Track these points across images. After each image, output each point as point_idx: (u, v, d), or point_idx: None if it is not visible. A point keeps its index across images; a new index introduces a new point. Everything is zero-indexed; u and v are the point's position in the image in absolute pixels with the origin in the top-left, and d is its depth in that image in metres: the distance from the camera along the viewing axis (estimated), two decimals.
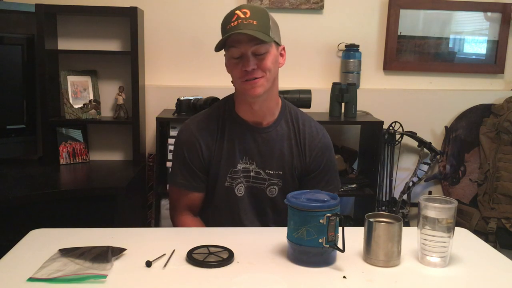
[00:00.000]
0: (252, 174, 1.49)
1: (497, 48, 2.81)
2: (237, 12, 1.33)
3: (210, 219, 1.56)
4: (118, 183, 2.20)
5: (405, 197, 2.66)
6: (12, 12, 2.36)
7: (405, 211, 2.61)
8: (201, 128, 1.49)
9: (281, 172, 1.49)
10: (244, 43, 1.32)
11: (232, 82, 1.51)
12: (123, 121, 2.52)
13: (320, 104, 2.57)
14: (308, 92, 2.34)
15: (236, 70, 1.37)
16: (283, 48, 1.45)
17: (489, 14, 2.79)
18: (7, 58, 2.38)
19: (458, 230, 1.24)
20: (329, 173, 1.54)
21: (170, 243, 1.24)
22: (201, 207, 1.56)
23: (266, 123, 1.49)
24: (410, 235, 1.19)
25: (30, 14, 2.33)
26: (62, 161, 2.49)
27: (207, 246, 1.20)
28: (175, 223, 1.56)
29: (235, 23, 1.31)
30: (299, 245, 1.13)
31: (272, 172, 1.49)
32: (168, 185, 1.60)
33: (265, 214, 1.54)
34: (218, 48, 1.37)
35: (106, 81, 2.61)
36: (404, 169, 2.77)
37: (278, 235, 1.26)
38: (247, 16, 1.32)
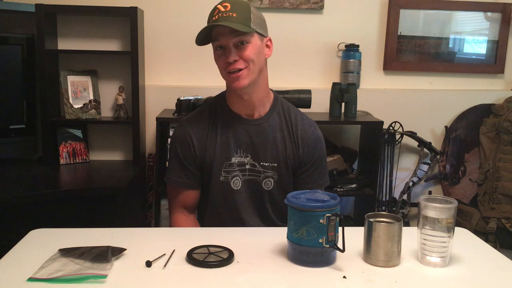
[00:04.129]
0: (247, 167, 1.50)
1: (497, 48, 2.81)
2: (218, 6, 1.37)
3: (207, 215, 1.56)
4: (118, 183, 2.20)
5: (405, 197, 2.66)
6: (12, 12, 2.36)
7: (405, 211, 2.61)
8: (193, 123, 1.52)
9: (275, 165, 1.50)
10: (225, 35, 1.36)
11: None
12: (123, 121, 2.52)
13: (320, 104, 2.57)
14: (308, 92, 2.33)
15: (220, 61, 1.41)
16: (269, 40, 1.46)
17: (489, 14, 2.79)
18: (7, 58, 2.38)
19: (458, 230, 1.24)
20: (320, 166, 1.56)
21: (170, 243, 1.24)
22: (197, 204, 1.56)
23: (258, 115, 1.51)
24: (410, 235, 1.20)
25: (30, 14, 2.33)
26: (62, 161, 2.49)
27: (207, 246, 1.20)
28: (169, 222, 1.56)
29: (216, 17, 1.36)
30: (299, 245, 1.13)
31: (266, 165, 1.50)
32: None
33: (264, 208, 1.54)
34: (200, 42, 1.40)
35: (106, 81, 2.61)
36: (404, 169, 2.77)
37: (278, 235, 1.26)
38: (227, 9, 1.35)
